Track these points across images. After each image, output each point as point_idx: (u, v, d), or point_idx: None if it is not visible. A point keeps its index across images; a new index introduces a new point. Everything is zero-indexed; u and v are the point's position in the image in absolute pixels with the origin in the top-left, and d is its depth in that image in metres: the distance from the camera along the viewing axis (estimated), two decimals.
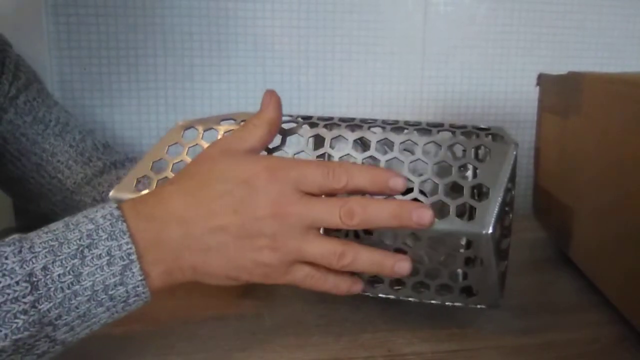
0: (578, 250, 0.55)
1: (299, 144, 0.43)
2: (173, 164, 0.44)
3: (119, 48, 0.75)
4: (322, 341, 0.43)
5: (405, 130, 0.42)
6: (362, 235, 0.42)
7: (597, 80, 0.51)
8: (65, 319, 0.33)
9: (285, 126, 0.43)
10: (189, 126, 0.46)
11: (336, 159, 0.41)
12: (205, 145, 0.42)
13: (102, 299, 0.34)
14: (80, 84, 0.76)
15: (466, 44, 0.82)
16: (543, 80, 0.64)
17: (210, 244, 0.36)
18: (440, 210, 0.37)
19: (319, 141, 0.47)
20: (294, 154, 0.42)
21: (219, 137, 0.43)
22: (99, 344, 0.43)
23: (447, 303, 0.43)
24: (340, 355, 0.42)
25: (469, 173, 0.46)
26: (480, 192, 0.44)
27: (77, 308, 0.33)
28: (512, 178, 0.39)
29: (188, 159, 0.43)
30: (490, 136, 0.41)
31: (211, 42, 0.77)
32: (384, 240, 0.40)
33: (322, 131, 0.43)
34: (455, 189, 0.39)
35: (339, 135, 0.42)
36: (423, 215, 0.35)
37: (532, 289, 0.54)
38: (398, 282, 0.42)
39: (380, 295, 0.43)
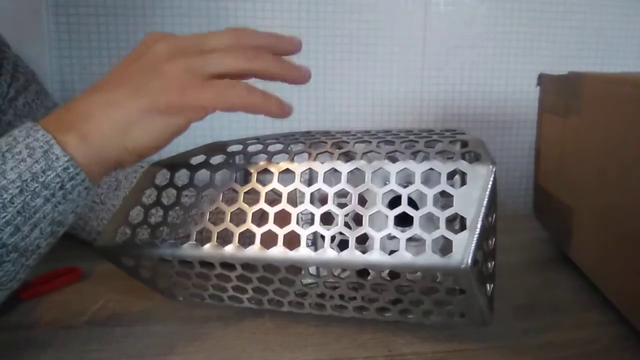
0: (578, 250, 0.55)
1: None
2: (149, 212, 0.43)
3: (119, 48, 0.75)
4: (322, 341, 0.43)
5: (377, 158, 0.40)
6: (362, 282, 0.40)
7: (597, 80, 0.51)
8: (5, 216, 0.33)
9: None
10: (158, 170, 0.45)
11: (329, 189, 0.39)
12: (180, 186, 0.42)
13: (36, 188, 0.33)
14: (80, 84, 0.75)
15: (466, 44, 0.82)
16: (543, 80, 0.64)
17: (116, 98, 0.35)
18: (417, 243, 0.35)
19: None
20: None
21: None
22: (99, 343, 0.43)
23: (435, 325, 0.42)
24: (340, 355, 0.42)
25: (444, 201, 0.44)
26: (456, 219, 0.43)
27: (11, 203, 0.33)
28: (492, 200, 0.37)
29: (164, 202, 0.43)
30: (466, 155, 0.38)
31: None
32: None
33: (314, 165, 0.41)
34: (431, 219, 0.37)
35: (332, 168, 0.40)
36: (284, 108, 0.40)
37: (532, 289, 0.54)
38: (384, 308, 0.42)
39: (370, 318, 0.43)
